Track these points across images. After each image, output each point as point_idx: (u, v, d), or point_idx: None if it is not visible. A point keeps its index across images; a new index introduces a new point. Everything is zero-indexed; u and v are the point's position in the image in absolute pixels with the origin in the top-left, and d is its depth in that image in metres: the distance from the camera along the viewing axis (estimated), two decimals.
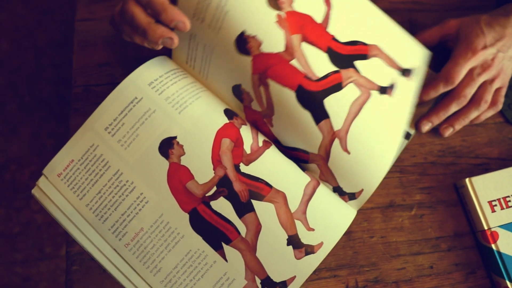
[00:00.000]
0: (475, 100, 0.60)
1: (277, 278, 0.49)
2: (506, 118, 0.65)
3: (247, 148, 0.51)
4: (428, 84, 0.59)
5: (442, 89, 0.59)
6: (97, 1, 0.64)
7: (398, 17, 0.67)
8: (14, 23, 1.47)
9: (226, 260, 0.49)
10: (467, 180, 0.59)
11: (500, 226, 0.57)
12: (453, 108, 0.60)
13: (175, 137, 0.50)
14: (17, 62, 1.44)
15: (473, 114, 0.61)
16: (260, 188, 0.50)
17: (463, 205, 0.61)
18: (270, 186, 0.50)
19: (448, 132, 0.62)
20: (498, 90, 0.61)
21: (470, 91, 0.59)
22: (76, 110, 0.59)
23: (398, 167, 0.61)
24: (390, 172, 0.60)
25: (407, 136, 0.61)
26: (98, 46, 0.62)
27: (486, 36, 0.57)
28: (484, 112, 0.62)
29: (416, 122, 0.62)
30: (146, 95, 0.51)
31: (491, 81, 0.59)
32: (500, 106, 0.62)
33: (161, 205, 0.50)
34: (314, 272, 0.54)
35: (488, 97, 0.60)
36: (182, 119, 0.51)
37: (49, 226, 1.32)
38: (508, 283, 0.55)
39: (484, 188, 0.59)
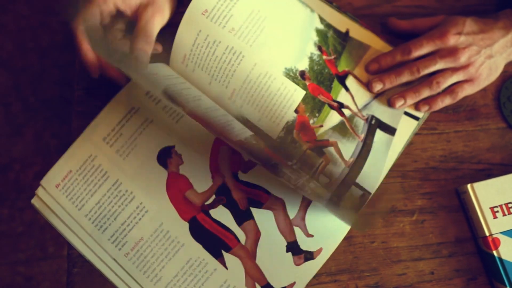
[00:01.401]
0: (429, 79, 0.60)
1: (277, 284, 0.49)
2: (509, 124, 0.65)
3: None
4: (388, 51, 0.61)
5: (399, 58, 0.60)
6: None
7: None
8: (18, 24, 1.47)
9: (226, 268, 0.50)
10: (469, 185, 0.59)
11: (502, 233, 0.57)
12: (406, 75, 0.59)
13: (173, 147, 0.50)
14: (21, 63, 1.45)
15: (425, 93, 0.60)
16: (259, 196, 0.50)
17: (464, 211, 0.60)
18: (268, 193, 0.50)
19: (398, 103, 0.60)
20: (462, 82, 0.61)
21: (425, 66, 0.59)
22: (79, 113, 0.59)
23: (400, 172, 0.61)
24: (391, 177, 0.60)
25: (416, 118, 0.61)
26: None
27: (464, 26, 0.58)
28: (441, 97, 0.61)
29: (367, 82, 0.61)
30: (143, 105, 0.51)
31: (455, 69, 0.59)
32: (458, 97, 0.61)
33: (160, 214, 0.50)
34: (314, 277, 0.54)
35: (443, 81, 0.59)
36: (179, 128, 0.51)
37: (52, 227, 1.32)
38: None
39: (486, 194, 0.58)
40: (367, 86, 0.61)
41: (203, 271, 0.50)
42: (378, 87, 0.60)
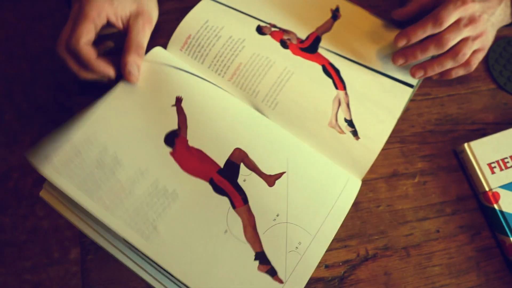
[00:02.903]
0: (454, 51, 0.60)
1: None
2: (499, 84, 0.67)
3: None
4: (417, 23, 0.59)
5: (430, 30, 0.58)
6: None
7: None
8: (5, 32, 1.47)
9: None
10: (466, 145, 0.61)
11: (501, 187, 0.59)
12: (431, 50, 0.59)
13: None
14: (12, 71, 1.45)
15: (448, 64, 0.60)
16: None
17: (463, 169, 0.62)
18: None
19: (418, 74, 0.61)
20: (475, 52, 0.61)
21: (454, 38, 0.58)
22: (79, 105, 0.60)
23: (399, 138, 0.62)
24: (390, 143, 0.62)
25: (411, 85, 0.62)
26: None
27: None
28: (456, 68, 0.62)
29: (393, 55, 0.62)
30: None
31: (474, 38, 0.59)
32: (473, 67, 0.62)
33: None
34: None
35: (468, 52, 0.59)
36: None
37: (56, 231, 1.32)
38: None
39: (483, 151, 0.60)
40: (392, 59, 0.62)
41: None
42: (400, 61, 0.61)
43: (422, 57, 0.60)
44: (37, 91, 1.44)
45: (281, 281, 0.50)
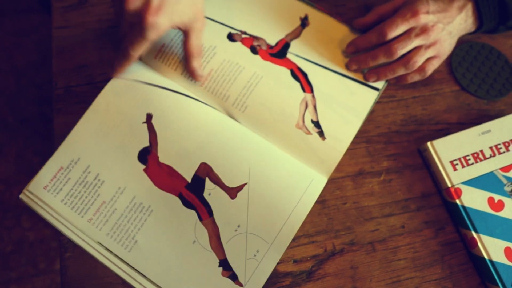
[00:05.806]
0: (405, 59, 0.63)
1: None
2: (462, 86, 0.70)
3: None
4: (365, 34, 0.65)
5: (375, 41, 0.64)
6: (71, 9, 0.68)
7: (354, 1, 0.72)
8: None
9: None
10: (429, 143, 0.63)
11: (463, 183, 0.61)
12: (381, 58, 0.64)
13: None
14: None
15: (400, 71, 0.64)
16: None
17: (427, 167, 0.65)
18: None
19: (372, 79, 0.66)
20: (430, 59, 0.65)
21: (403, 47, 0.62)
22: (59, 110, 0.62)
23: (365, 138, 0.65)
24: (357, 143, 0.64)
25: (376, 89, 0.66)
26: (75, 50, 0.66)
27: (430, 5, 0.62)
28: (411, 74, 0.65)
29: (347, 61, 0.67)
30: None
31: (427, 47, 0.63)
32: (427, 73, 0.65)
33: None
34: (294, 239, 0.58)
35: (419, 59, 0.63)
36: None
37: (42, 242, 1.33)
38: (474, 234, 0.59)
39: (445, 149, 0.63)
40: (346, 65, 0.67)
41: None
42: (353, 67, 0.66)
43: (373, 64, 0.65)
44: (22, 104, 1.45)
45: (241, 285, 0.55)
